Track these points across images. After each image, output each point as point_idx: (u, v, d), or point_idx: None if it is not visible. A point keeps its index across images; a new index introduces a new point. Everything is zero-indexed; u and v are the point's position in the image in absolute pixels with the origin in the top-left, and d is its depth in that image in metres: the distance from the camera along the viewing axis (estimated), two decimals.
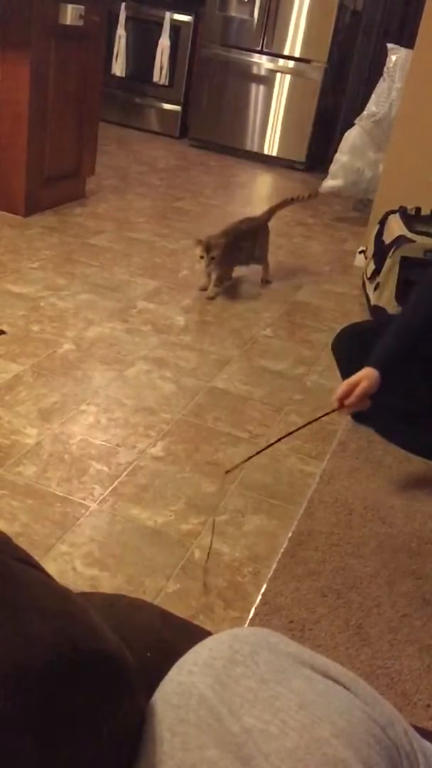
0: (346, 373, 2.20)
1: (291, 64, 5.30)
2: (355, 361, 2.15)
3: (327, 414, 1.85)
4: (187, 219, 3.94)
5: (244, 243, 3.06)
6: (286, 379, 2.42)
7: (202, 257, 2.88)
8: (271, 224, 4.18)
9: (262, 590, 1.52)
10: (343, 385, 1.83)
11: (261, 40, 5.30)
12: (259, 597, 1.50)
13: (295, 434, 2.11)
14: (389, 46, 4.06)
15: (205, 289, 2.99)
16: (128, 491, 1.75)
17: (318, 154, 5.66)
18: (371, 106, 4.14)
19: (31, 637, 0.47)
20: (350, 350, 2.14)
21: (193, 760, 0.51)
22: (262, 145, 5.58)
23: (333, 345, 2.23)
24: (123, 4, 5.48)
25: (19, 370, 2.18)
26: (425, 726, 1.26)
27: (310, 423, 1.88)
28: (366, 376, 1.82)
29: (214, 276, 2.95)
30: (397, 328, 1.91)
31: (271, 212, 3.27)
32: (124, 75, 5.69)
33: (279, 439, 1.83)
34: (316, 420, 1.87)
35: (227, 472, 2.15)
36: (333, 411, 1.85)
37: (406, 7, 5.37)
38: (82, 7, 3.27)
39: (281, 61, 5.32)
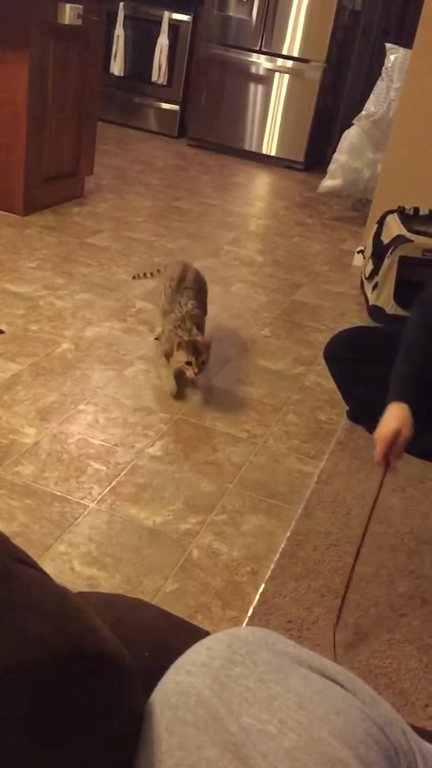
0: (340, 380, 2.20)
1: (290, 63, 5.29)
2: (349, 369, 2.15)
3: (381, 484, 1.57)
4: (186, 219, 3.94)
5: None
6: (284, 379, 2.42)
7: (189, 363, 2.11)
8: (269, 223, 4.20)
9: (261, 590, 1.52)
10: (382, 441, 1.57)
11: (260, 40, 5.30)
12: (258, 596, 1.50)
13: (293, 433, 2.11)
14: (388, 45, 4.05)
15: (176, 395, 2.18)
16: (126, 491, 1.75)
17: (317, 153, 5.66)
18: (370, 106, 4.14)
19: (29, 637, 0.47)
20: (342, 358, 2.14)
21: (192, 760, 0.51)
22: (260, 145, 5.57)
23: (325, 353, 2.22)
24: (121, 4, 5.48)
25: (17, 370, 2.17)
26: (423, 726, 1.26)
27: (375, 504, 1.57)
28: (403, 421, 1.59)
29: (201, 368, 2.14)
30: (408, 353, 1.79)
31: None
32: (122, 74, 5.68)
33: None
34: (377, 496, 1.56)
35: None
36: (384, 476, 1.57)
37: (405, 7, 5.38)
38: (80, 6, 3.26)
39: (280, 61, 5.31)
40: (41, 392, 2.08)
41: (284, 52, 5.28)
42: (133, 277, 2.74)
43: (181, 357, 2.11)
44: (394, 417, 1.61)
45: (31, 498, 1.67)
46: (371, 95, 4.15)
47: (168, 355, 2.22)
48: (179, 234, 3.64)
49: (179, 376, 2.20)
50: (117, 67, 5.66)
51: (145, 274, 2.66)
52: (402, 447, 1.60)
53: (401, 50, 3.94)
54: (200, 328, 2.23)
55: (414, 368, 1.75)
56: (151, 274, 2.64)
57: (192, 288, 2.33)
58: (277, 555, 1.62)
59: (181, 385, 2.17)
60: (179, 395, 2.15)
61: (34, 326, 2.45)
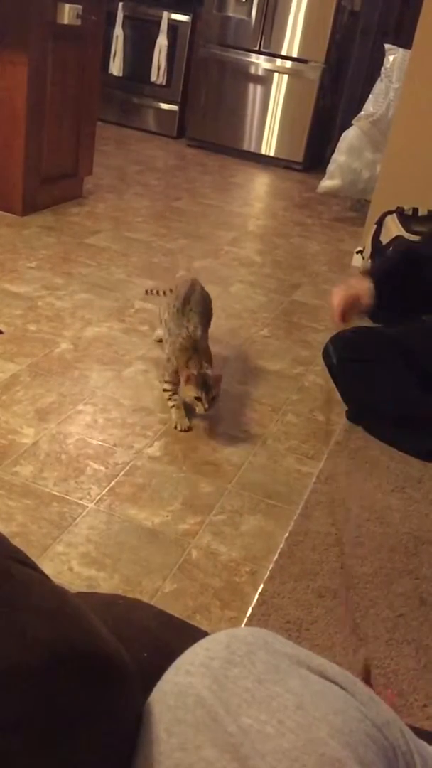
0: (339, 381, 2.21)
1: (289, 64, 5.30)
2: (348, 369, 2.15)
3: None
4: (185, 219, 3.94)
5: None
6: (283, 379, 2.42)
7: (198, 398, 2.01)
8: (268, 223, 4.20)
9: (259, 590, 1.52)
10: (341, 298, 1.89)
11: (259, 40, 5.30)
12: (256, 597, 1.50)
13: (292, 433, 2.11)
14: (387, 46, 4.06)
15: (188, 429, 2.06)
16: (125, 491, 1.75)
17: (316, 154, 5.66)
18: (369, 107, 4.14)
19: (28, 638, 0.47)
20: (341, 358, 2.15)
21: (191, 761, 0.51)
22: (259, 145, 5.57)
23: (324, 353, 2.23)
24: (120, 4, 5.48)
25: (16, 370, 2.17)
26: (422, 726, 1.26)
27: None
28: (364, 290, 1.87)
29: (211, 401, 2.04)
30: (389, 255, 1.98)
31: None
32: (121, 75, 5.68)
33: None
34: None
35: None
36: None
37: (404, 8, 5.38)
38: (79, 6, 3.26)
39: (279, 61, 5.32)
40: (40, 392, 2.08)
41: (283, 52, 5.28)
42: (147, 292, 2.74)
43: (190, 392, 2.02)
44: (358, 284, 1.87)
45: (30, 498, 1.67)
46: (370, 96, 4.15)
47: (175, 382, 2.11)
48: (178, 234, 3.64)
49: (188, 406, 2.12)
50: (116, 68, 5.66)
51: (158, 292, 2.64)
52: (357, 312, 1.89)
53: (400, 51, 3.94)
54: (208, 358, 2.16)
55: (387, 264, 1.91)
56: (164, 293, 2.61)
57: (197, 311, 2.24)
58: (276, 555, 1.62)
59: (190, 416, 2.11)
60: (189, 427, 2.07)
61: (33, 326, 2.45)
